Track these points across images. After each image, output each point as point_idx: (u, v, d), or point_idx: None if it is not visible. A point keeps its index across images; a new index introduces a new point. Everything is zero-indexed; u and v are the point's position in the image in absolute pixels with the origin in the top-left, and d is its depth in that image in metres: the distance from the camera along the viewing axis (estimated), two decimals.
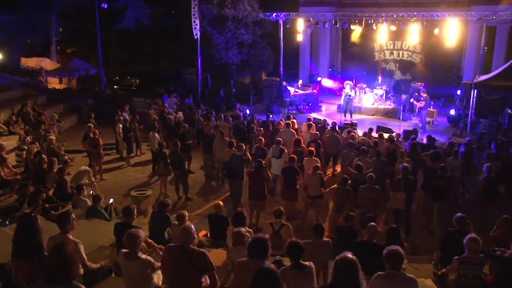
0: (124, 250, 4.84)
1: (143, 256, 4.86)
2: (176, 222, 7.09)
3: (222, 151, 11.73)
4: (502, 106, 17.43)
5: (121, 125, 14.02)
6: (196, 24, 20.47)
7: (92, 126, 13.40)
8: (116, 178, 12.80)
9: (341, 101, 20.41)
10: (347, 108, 19.99)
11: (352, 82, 21.26)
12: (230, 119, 15.13)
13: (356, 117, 20.21)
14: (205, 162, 13.24)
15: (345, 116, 19.90)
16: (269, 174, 10.29)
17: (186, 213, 7.24)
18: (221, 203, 7.95)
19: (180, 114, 16.11)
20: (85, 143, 12.77)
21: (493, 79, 16.39)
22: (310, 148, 10.93)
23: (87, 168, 11.23)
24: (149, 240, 6.45)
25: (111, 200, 9.03)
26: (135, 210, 6.73)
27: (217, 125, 13.93)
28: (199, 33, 20.78)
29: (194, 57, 21.67)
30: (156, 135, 13.01)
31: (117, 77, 31.50)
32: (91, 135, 12.56)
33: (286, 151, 11.07)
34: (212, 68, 24.57)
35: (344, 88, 20.31)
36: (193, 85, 23.20)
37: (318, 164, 10.01)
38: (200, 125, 15.00)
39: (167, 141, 13.08)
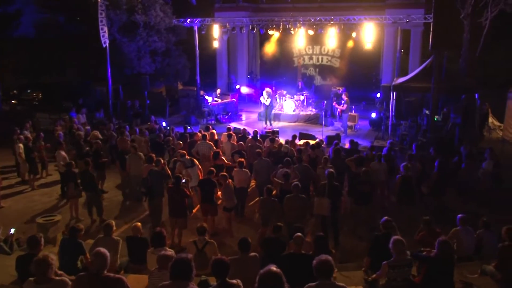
0: (32, 278, 4.55)
1: (57, 277, 4.58)
2: (101, 235, 6.83)
3: (137, 168, 11.51)
4: (420, 107, 18.61)
5: (21, 145, 13.19)
6: (104, 32, 19.86)
7: None
8: (18, 204, 12.00)
9: (261, 109, 20.77)
10: (266, 115, 20.34)
11: (272, 89, 21.69)
12: (146, 132, 14.82)
13: (277, 124, 20.64)
14: (122, 180, 12.87)
15: (265, 124, 20.23)
16: (190, 190, 10.20)
17: (113, 223, 6.99)
18: (139, 224, 7.73)
19: (96, 131, 15.52)
20: None
21: (410, 81, 17.55)
22: (240, 159, 10.94)
23: None
24: (59, 272, 6.11)
25: (12, 230, 8.36)
26: (42, 239, 6.37)
27: (133, 140, 13.59)
28: (107, 41, 20.18)
29: (104, 67, 21.03)
30: (62, 153, 12.37)
31: (15, 91, 29.72)
32: None
33: (196, 162, 11.13)
34: (124, 79, 23.99)
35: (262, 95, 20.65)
36: (104, 97, 22.46)
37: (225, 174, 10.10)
38: (113, 140, 14.53)
39: (76, 160, 12.55)
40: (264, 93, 20.32)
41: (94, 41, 21.40)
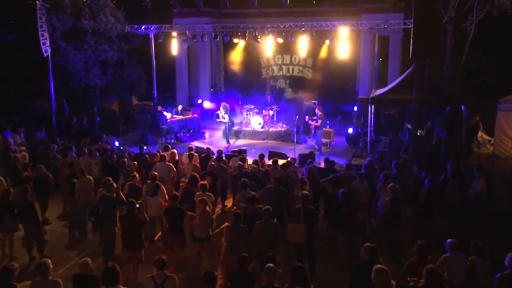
0: None
1: None
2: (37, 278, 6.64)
3: (87, 194, 11.30)
4: (401, 121, 18.90)
5: None
6: (45, 39, 19.46)
7: None
8: None
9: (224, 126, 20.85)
10: (225, 133, 20.43)
11: (238, 103, 21.74)
12: (97, 154, 14.58)
13: (244, 142, 20.68)
14: (69, 208, 12.65)
15: (227, 142, 20.30)
16: (146, 216, 10.00)
17: (49, 262, 6.78)
18: (88, 259, 7.49)
19: (24, 152, 15.15)
20: None
21: (389, 92, 17.79)
22: (202, 182, 10.84)
23: None
24: None
25: None
26: None
27: (79, 162, 13.33)
28: (49, 50, 19.79)
29: (45, 79, 20.60)
30: None
31: None
32: None
33: (163, 188, 10.92)
34: (70, 93, 23.59)
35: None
36: (45, 114, 21.98)
37: (204, 198, 9.93)
38: (57, 163, 14.20)
39: (13, 187, 12.17)
40: (221, 108, 20.36)
41: (33, 49, 20.94)
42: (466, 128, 18.07)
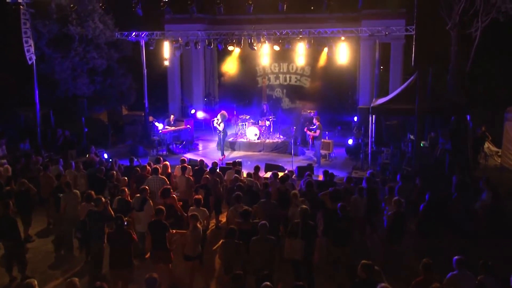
0: None
1: None
2: None
3: (73, 209, 11.17)
4: (404, 131, 18.89)
5: None
6: (30, 46, 19.46)
7: None
8: None
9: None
10: (218, 144, 20.36)
11: (233, 113, 21.70)
12: (84, 166, 14.52)
13: (240, 154, 20.68)
14: (53, 224, 12.55)
15: (221, 154, 20.26)
16: (133, 233, 9.92)
17: (35, 283, 6.72)
18: (74, 279, 7.40)
19: (6, 164, 15.06)
20: None
21: (391, 102, 17.75)
22: (196, 196, 10.75)
23: None
24: None
25: None
26: None
27: (65, 175, 13.26)
28: (34, 57, 19.78)
29: (30, 88, 20.55)
30: None
31: None
32: None
33: (150, 202, 10.87)
34: (56, 102, 23.49)
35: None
36: (30, 125, 21.90)
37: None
38: (41, 177, 14.10)
39: None
40: (219, 115, 20.21)
41: (16, 56, 20.88)
42: (472, 138, 18.02)
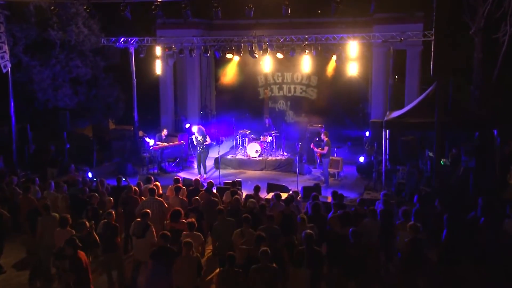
0: None
1: None
2: None
3: (52, 234, 10.98)
4: (421, 148, 18.80)
5: None
6: (4, 52, 19.38)
7: None
8: None
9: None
10: (199, 161, 20.16)
11: (232, 127, 21.65)
12: (65, 187, 14.44)
13: (239, 172, 20.72)
14: (28, 252, 12.42)
15: (200, 172, 20.11)
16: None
17: None
18: None
19: None
20: None
21: (407, 115, 17.69)
22: (190, 220, 10.65)
23: None
24: None
25: None
26: None
27: (44, 197, 13.19)
28: (9, 65, 19.73)
29: (5, 99, 20.51)
30: None
31: None
32: None
33: (153, 228, 10.72)
34: (34, 115, 23.46)
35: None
36: (4, 140, 21.84)
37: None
38: (16, 199, 14.06)
39: None
40: (196, 132, 19.93)
41: None
42: (500, 156, 17.90)
